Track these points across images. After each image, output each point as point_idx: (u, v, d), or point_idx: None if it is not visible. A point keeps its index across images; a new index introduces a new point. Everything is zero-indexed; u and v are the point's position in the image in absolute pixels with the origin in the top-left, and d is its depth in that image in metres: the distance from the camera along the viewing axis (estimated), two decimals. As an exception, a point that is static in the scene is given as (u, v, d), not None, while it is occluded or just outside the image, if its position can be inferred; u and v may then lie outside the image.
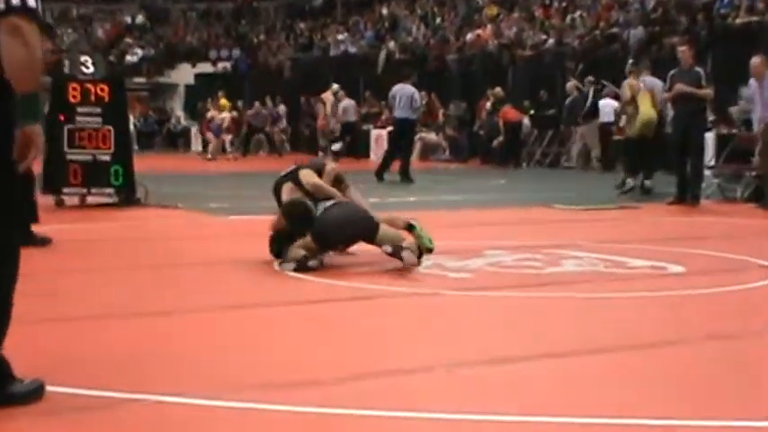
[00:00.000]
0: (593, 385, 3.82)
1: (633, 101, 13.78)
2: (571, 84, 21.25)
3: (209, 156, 25.92)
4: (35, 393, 3.44)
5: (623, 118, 14.80)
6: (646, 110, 13.57)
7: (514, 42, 25.53)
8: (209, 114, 27.41)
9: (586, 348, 4.41)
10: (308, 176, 6.92)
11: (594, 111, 20.02)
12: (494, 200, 13.14)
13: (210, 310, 5.33)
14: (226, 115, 27.25)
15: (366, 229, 6.66)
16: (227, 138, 27.43)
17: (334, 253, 6.92)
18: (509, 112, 22.17)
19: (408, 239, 6.75)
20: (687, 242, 8.30)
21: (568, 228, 9.69)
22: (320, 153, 21.24)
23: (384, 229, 6.70)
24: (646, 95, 13.57)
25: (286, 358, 4.21)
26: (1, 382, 3.40)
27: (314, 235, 6.55)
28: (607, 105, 19.50)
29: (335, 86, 24.90)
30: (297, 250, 6.54)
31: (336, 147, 19.00)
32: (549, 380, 3.89)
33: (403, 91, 16.88)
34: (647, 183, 13.61)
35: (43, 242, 7.55)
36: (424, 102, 20.86)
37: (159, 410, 3.43)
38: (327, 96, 25.58)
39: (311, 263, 6.49)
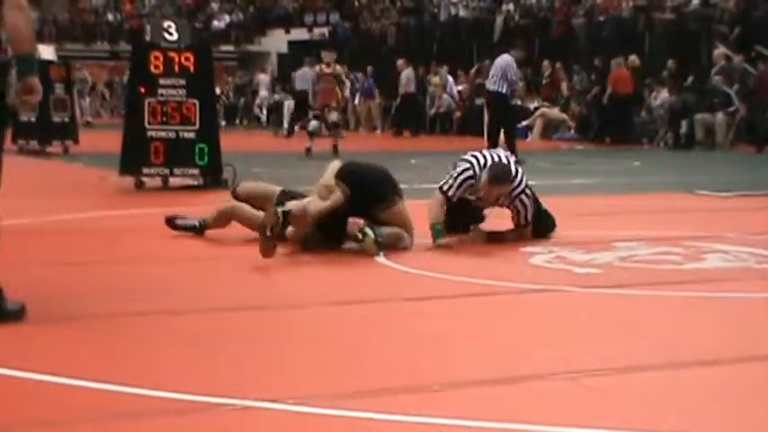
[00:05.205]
0: (747, 399, 3.71)
1: None
2: (719, 51, 20.74)
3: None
4: (19, 314, 4.53)
5: None
6: None
7: (652, 4, 25.05)
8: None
9: (736, 356, 4.30)
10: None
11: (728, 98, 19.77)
12: (626, 184, 12.96)
13: (307, 306, 5.37)
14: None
15: None
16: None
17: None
18: (620, 80, 21.63)
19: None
20: None
21: (714, 217, 9.49)
22: None
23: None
24: None
25: (386, 361, 4.22)
26: None
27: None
28: None
29: None
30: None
31: (313, 125, 18.45)
32: (690, 392, 3.80)
33: (497, 62, 16.71)
34: None
35: None
36: (520, 78, 20.65)
37: (246, 417, 3.46)
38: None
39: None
